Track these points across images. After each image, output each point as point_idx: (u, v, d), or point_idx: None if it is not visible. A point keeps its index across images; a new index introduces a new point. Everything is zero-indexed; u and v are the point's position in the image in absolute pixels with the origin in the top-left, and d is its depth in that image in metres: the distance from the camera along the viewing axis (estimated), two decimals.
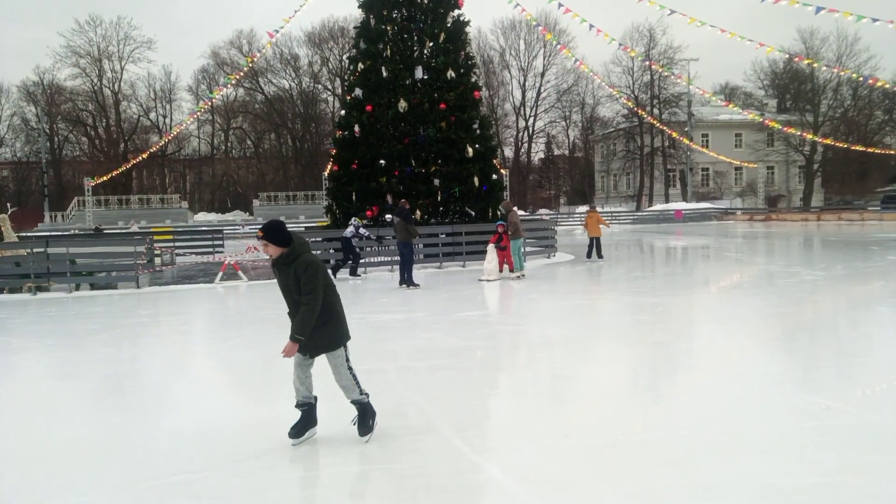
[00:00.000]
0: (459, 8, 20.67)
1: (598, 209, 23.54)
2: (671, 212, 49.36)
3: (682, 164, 60.48)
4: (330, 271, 14.21)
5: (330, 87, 69.21)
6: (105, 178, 43.23)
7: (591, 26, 24.99)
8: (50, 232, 37.17)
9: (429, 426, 4.98)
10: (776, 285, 12.98)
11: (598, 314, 10.79)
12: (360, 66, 20.03)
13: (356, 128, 19.45)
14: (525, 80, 69.16)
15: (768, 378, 6.17)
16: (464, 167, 19.60)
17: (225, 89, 52.11)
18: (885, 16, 21.47)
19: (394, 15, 20.21)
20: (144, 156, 45.61)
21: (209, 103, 55.65)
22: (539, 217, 46.98)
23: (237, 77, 43.28)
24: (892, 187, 58.96)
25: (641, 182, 65.49)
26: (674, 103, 62.42)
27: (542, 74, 68.81)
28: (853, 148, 49.92)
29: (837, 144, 52.03)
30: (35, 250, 15.06)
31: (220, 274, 16.17)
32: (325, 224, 22.43)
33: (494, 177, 20.65)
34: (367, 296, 13.36)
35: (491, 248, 15.00)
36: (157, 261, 20.20)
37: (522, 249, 15.73)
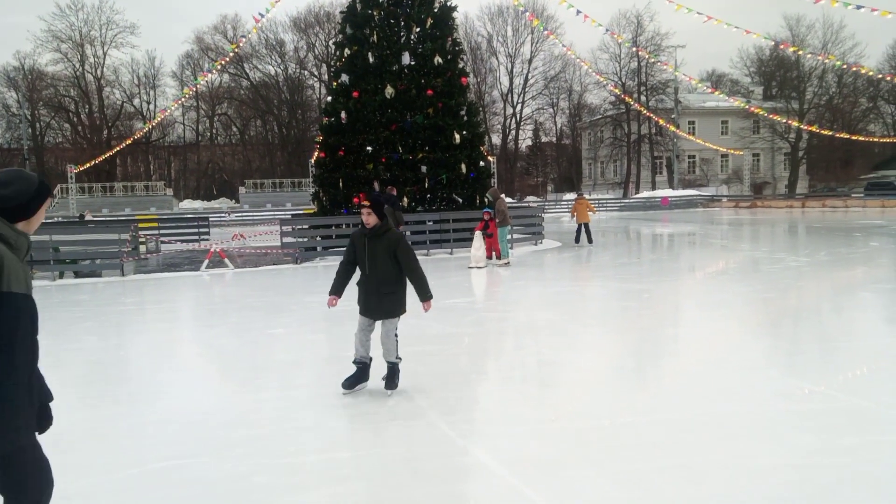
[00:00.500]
0: None
1: (586, 196, 23.69)
2: (658, 199, 49.57)
3: (669, 152, 60.70)
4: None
5: (316, 73, 68.66)
6: (88, 164, 42.73)
7: (579, 12, 24.93)
8: None
9: (416, 412, 5.00)
10: (761, 271, 13.10)
11: (585, 300, 10.85)
12: (347, 51, 19.85)
13: (343, 114, 19.31)
14: (513, 67, 68.93)
15: (752, 363, 6.24)
16: (451, 154, 19.54)
17: (210, 75, 51.65)
18: (869, 3, 21.57)
19: (380, 0, 20.03)
20: (128, 142, 45.04)
21: (194, 89, 55.07)
22: (526, 204, 47.04)
23: (222, 63, 42.82)
24: (876, 174, 59.57)
25: (628, 169, 65.67)
26: (661, 90, 62.52)
27: (530, 61, 68.59)
28: (838, 135, 50.36)
29: (822, 132, 52.43)
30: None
31: (206, 261, 16.08)
32: (312, 212, 22.32)
33: (482, 164, 20.61)
34: (353, 282, 13.32)
35: (478, 235, 15.00)
36: (142, 248, 20.04)
37: (509, 237, 15.77)
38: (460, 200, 19.77)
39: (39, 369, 2.56)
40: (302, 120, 68.25)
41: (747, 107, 45.85)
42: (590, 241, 19.36)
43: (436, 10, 20.14)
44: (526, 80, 69.12)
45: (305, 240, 18.27)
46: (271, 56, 67.29)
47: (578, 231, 19.63)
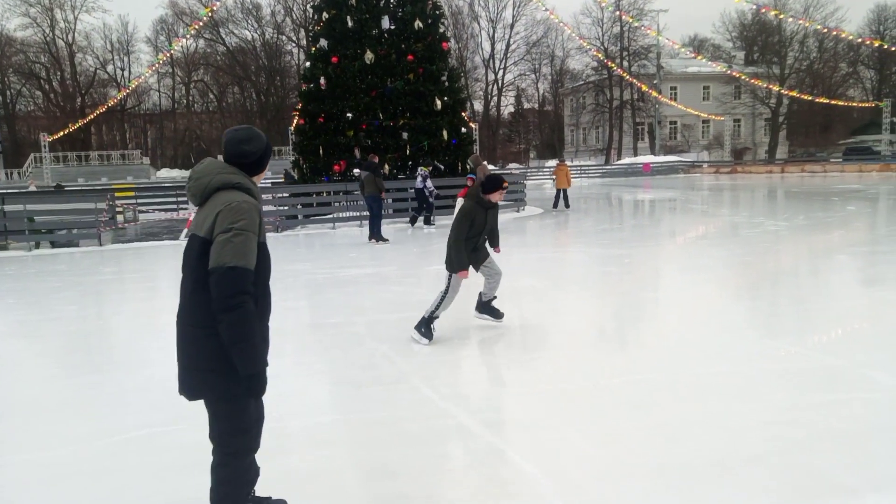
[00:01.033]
0: None
1: (568, 163, 23.90)
2: (640, 165, 49.67)
3: (651, 118, 60.68)
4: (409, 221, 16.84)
5: (294, 38, 67.36)
6: (62, 133, 41.84)
7: None
8: (5, 190, 35.96)
9: (399, 376, 5.02)
10: (740, 236, 13.23)
11: (567, 266, 10.90)
12: (325, 15, 19.46)
13: (322, 80, 19.00)
14: (494, 32, 68.14)
15: (731, 325, 6.33)
16: (432, 120, 19.36)
17: (184, 40, 50.43)
18: None
19: None
20: (102, 110, 44.07)
21: (168, 55, 53.79)
22: (509, 171, 46.92)
23: (196, 27, 41.79)
24: (854, 140, 60.09)
25: (610, 136, 65.59)
26: (643, 55, 62.17)
27: (512, 26, 67.82)
28: (818, 100, 50.56)
29: (803, 97, 52.61)
30: None
31: (185, 230, 15.89)
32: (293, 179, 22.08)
33: (464, 130, 20.46)
34: (336, 251, 13.28)
35: (460, 202, 14.95)
36: (120, 218, 19.76)
37: None
38: (442, 168, 19.66)
39: None
40: (281, 87, 67.15)
41: (729, 71, 45.82)
42: (567, 206, 19.99)
43: None
44: (508, 45, 68.46)
45: (286, 208, 18.10)
46: (247, 20, 65.88)
47: (557, 196, 20.43)
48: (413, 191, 17.17)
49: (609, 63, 54.09)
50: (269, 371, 5.25)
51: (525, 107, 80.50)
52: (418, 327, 5.89)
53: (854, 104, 57.77)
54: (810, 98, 52.20)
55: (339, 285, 9.17)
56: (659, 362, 5.19)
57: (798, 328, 6.22)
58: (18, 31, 60.49)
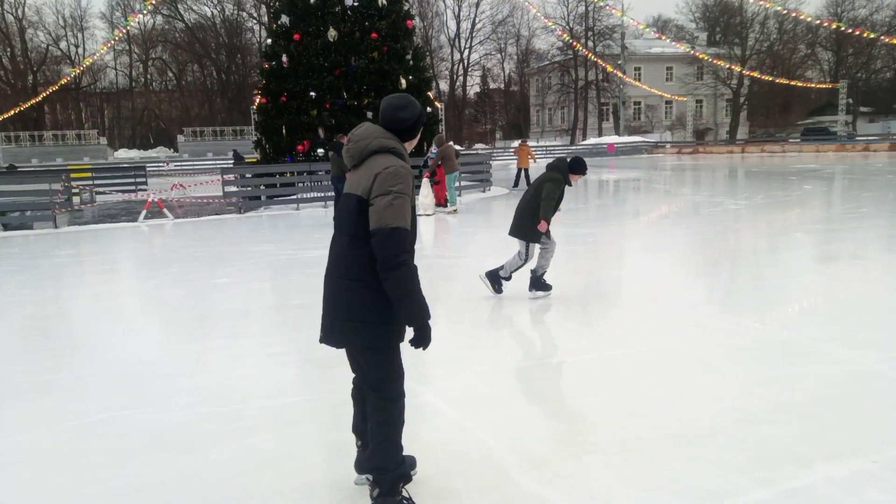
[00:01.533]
0: None
1: (533, 143, 24.17)
2: (604, 145, 50.08)
3: (615, 98, 61.13)
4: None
5: (255, 14, 65.92)
6: (13, 111, 40.35)
7: None
8: None
9: None
10: (701, 215, 13.46)
11: None
12: None
13: (284, 58, 18.64)
14: (459, 11, 67.74)
15: (692, 301, 6.46)
16: None
17: (141, 16, 48.95)
18: None
19: None
20: (55, 88, 42.60)
21: (125, 31, 52.18)
22: (475, 152, 46.90)
23: (153, 2, 40.55)
24: (812, 120, 61.44)
25: (576, 116, 65.93)
26: (608, 35, 62.46)
27: (477, 4, 67.51)
28: (777, 81, 51.44)
29: (763, 77, 53.51)
30: None
31: (144, 212, 15.55)
32: (255, 160, 21.72)
33: (429, 110, 20.32)
34: (300, 231, 13.14)
35: (426, 182, 14.91)
36: (76, 200, 19.22)
37: (458, 184, 15.73)
38: None
39: None
40: (242, 65, 65.81)
41: (691, 52, 46.31)
42: (528, 184, 20.13)
43: None
44: (473, 24, 68.14)
45: (249, 189, 17.80)
46: None
47: (518, 175, 21.00)
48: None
49: (574, 43, 54.23)
50: (235, 353, 5.23)
51: (491, 87, 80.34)
52: (532, 288, 6.62)
53: (812, 85, 59.03)
54: (770, 79, 53.13)
55: (303, 266, 9.08)
56: (622, 338, 5.27)
57: (756, 304, 6.37)
58: None
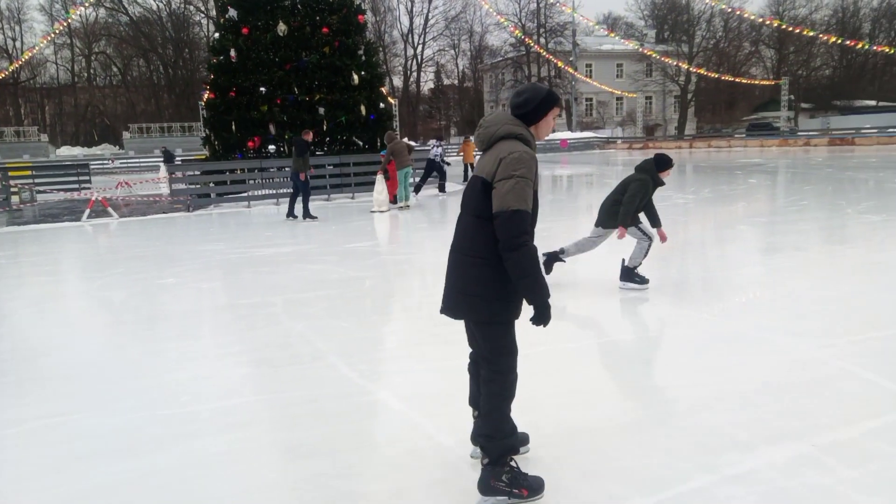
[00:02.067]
0: None
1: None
2: (557, 141, 50.66)
3: (568, 94, 61.84)
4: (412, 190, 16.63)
5: (203, 7, 64.45)
6: None
7: None
8: None
9: (316, 355, 4.95)
10: None
11: None
12: None
13: (232, 52, 18.29)
14: (412, 6, 67.56)
15: (641, 294, 6.58)
16: (350, 95, 19.03)
17: (83, 9, 47.30)
18: None
19: None
20: None
21: (65, 24, 50.38)
22: (428, 148, 46.85)
23: None
24: (756, 116, 63.34)
25: None
26: (559, 32, 63.17)
27: (430, 0, 67.32)
28: (723, 78, 52.83)
29: (709, 74, 54.89)
30: None
31: (88, 211, 15.06)
32: (204, 157, 21.25)
33: (382, 105, 20.22)
34: (251, 229, 12.93)
35: (380, 178, 14.83)
36: (15, 199, 18.52)
37: (411, 180, 15.69)
38: (361, 143, 19.41)
39: None
40: (190, 59, 64.30)
41: (641, 49, 47.19)
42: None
43: None
44: (426, 19, 68.08)
45: (197, 186, 17.40)
46: None
47: (466, 171, 22.57)
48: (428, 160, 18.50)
49: (527, 40, 54.68)
50: (184, 354, 5.11)
51: (445, 83, 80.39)
52: (624, 279, 6.70)
53: (756, 82, 60.80)
54: (716, 76, 54.54)
55: (254, 265, 8.93)
56: (574, 331, 5.34)
57: (703, 296, 6.53)
58: None
